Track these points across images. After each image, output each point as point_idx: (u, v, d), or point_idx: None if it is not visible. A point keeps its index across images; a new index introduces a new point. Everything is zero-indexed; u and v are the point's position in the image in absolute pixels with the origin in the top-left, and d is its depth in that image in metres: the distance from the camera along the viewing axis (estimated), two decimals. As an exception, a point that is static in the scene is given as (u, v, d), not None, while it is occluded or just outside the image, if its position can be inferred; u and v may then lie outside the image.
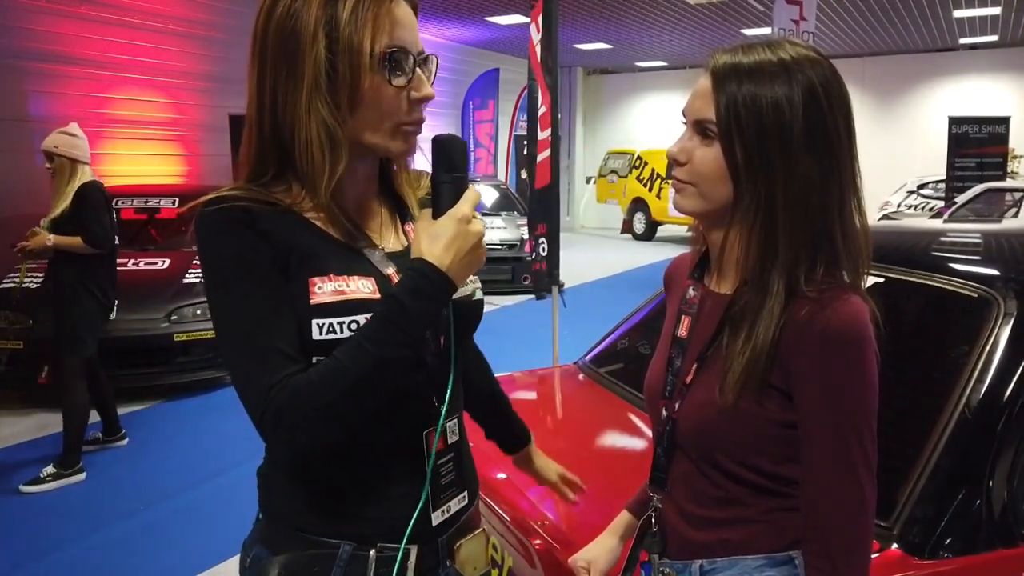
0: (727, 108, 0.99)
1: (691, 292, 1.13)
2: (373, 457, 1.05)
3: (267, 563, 1.05)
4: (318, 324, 0.97)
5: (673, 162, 1.06)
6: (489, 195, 10.46)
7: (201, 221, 0.99)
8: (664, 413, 1.11)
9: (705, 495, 1.06)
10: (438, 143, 1.00)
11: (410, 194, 1.16)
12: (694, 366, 1.07)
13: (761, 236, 1.00)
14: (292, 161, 1.01)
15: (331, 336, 0.96)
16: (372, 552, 1.03)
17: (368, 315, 0.97)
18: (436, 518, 1.08)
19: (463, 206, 0.97)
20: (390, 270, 1.05)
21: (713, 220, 1.06)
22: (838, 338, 0.95)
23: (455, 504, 1.12)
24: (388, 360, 0.93)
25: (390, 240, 1.10)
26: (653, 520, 1.14)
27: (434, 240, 0.95)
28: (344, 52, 0.96)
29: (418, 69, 1.01)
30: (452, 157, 0.98)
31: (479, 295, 1.15)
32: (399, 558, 1.03)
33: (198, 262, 1.02)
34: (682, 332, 1.12)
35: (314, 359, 0.96)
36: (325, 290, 0.98)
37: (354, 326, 0.97)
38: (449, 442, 1.11)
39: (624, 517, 1.28)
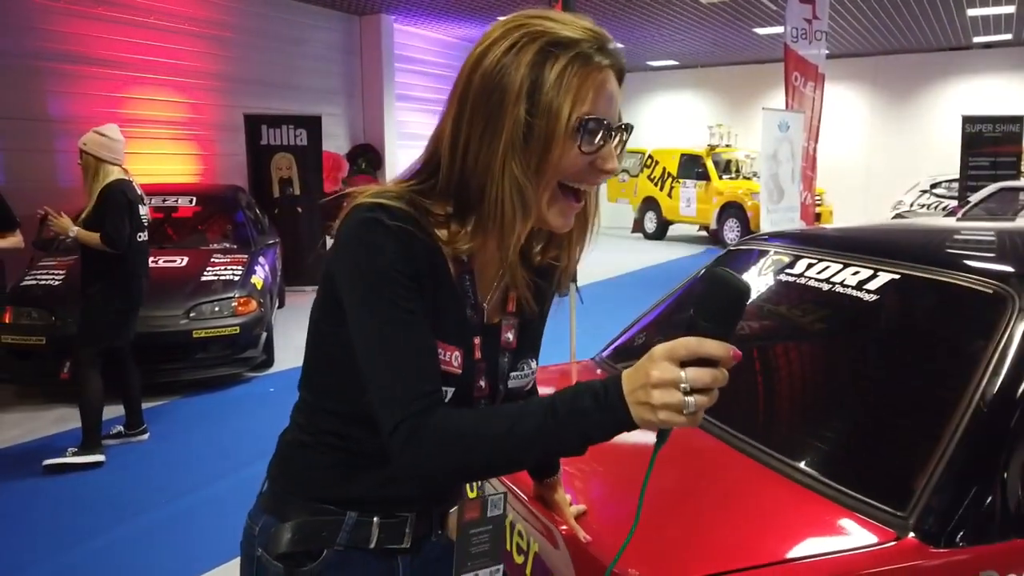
0: None
1: None
2: None
3: (277, 529, 1.12)
4: None
5: None
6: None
7: (361, 222, 0.98)
8: None
9: None
10: (710, 279, 0.89)
11: (531, 260, 1.14)
12: None
13: None
14: (474, 207, 1.01)
15: None
16: (376, 519, 1.11)
17: (448, 388, 1.02)
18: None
19: (675, 345, 0.87)
20: (476, 340, 1.08)
21: None
22: None
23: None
24: (537, 444, 0.95)
25: (494, 302, 1.12)
26: None
27: (637, 366, 0.90)
28: (543, 115, 0.96)
29: (608, 142, 1.00)
30: (712, 303, 0.88)
31: (533, 388, 1.23)
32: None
33: (338, 252, 1.01)
34: None
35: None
36: None
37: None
38: None
39: None
